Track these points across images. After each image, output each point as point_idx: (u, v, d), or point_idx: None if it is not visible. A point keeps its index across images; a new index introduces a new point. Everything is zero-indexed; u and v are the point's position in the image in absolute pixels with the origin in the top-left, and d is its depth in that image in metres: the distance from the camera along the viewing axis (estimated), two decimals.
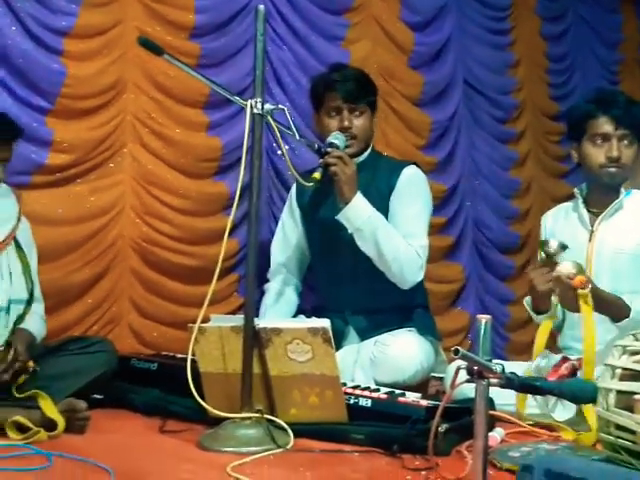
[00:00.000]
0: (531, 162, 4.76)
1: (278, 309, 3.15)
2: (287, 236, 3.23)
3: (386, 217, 2.96)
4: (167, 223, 3.31)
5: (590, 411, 2.20)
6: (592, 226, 2.76)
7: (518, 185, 4.66)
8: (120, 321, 3.23)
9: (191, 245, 3.36)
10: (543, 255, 2.57)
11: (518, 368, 2.39)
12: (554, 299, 2.57)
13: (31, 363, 2.43)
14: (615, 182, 2.74)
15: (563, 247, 2.52)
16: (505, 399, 2.41)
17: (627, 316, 2.48)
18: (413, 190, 3.04)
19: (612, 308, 2.49)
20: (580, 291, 2.39)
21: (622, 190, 2.76)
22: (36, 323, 2.63)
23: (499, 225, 4.53)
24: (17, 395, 2.37)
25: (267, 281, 3.25)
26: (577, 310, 2.44)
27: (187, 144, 3.35)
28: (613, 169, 2.72)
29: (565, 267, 2.45)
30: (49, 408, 2.33)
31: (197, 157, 3.39)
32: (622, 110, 2.71)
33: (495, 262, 4.50)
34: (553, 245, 2.52)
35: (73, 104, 3.09)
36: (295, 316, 3.15)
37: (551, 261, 2.52)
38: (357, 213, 2.88)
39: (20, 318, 2.58)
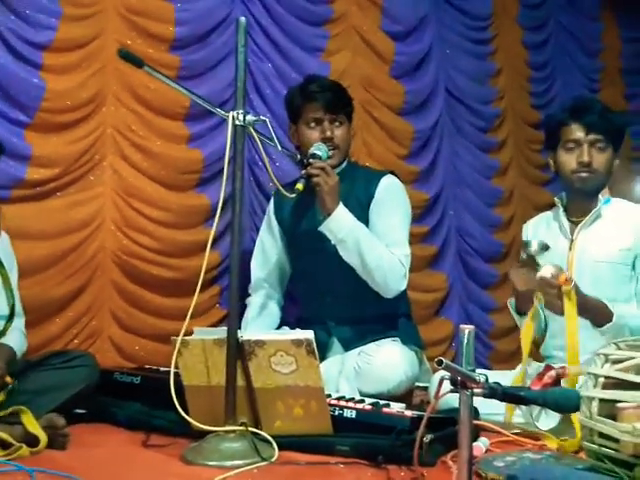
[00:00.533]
0: (513, 171, 4.78)
1: (260, 322, 3.15)
2: (266, 252, 3.23)
3: (367, 226, 2.97)
4: (148, 236, 3.29)
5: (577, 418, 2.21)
6: (572, 235, 2.78)
7: (500, 194, 4.68)
8: (101, 334, 3.20)
9: (172, 258, 3.35)
10: (524, 256, 2.59)
11: (502, 377, 2.39)
12: (535, 301, 2.59)
13: (9, 379, 2.40)
14: (587, 187, 2.76)
15: (544, 247, 2.54)
16: (490, 408, 2.42)
17: (610, 320, 2.50)
18: (392, 199, 3.06)
19: (595, 312, 2.51)
20: (564, 287, 2.42)
21: (600, 198, 2.78)
22: (16, 338, 2.60)
23: (482, 234, 4.55)
24: None
25: (249, 295, 3.24)
26: (562, 311, 2.46)
27: (168, 156, 3.35)
28: (584, 174, 2.74)
29: (547, 269, 2.47)
30: (31, 424, 2.30)
31: (178, 169, 3.38)
32: (594, 116, 2.75)
33: (478, 271, 4.52)
34: (534, 245, 2.54)
35: (52, 118, 3.07)
36: (278, 328, 3.15)
37: (532, 261, 2.54)
38: (340, 224, 2.88)
39: (1, 334, 2.55)
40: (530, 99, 4.94)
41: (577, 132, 2.75)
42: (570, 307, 2.42)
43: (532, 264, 2.54)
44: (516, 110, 4.82)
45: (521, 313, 2.71)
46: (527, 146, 4.84)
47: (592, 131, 2.73)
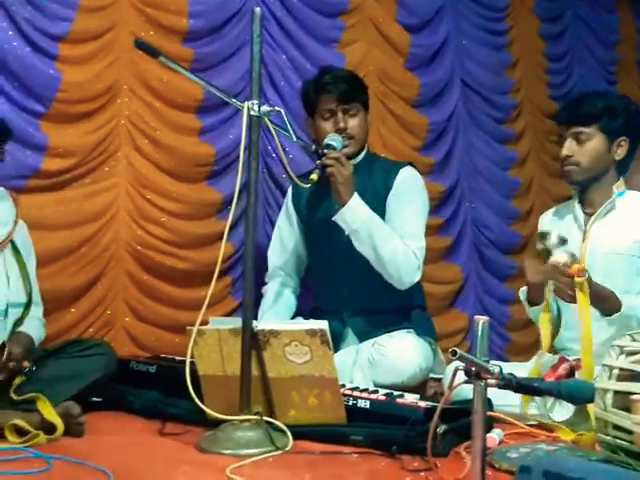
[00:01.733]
0: (531, 162, 4.76)
1: (276, 311, 3.15)
2: (284, 240, 3.24)
3: (383, 218, 2.97)
4: (161, 227, 3.31)
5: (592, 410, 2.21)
6: (586, 226, 2.77)
7: (518, 185, 4.66)
8: (115, 324, 3.22)
9: (185, 249, 3.37)
10: (541, 247, 2.59)
11: (518, 369, 2.39)
12: (547, 293, 2.58)
13: (27, 363, 2.42)
14: (572, 180, 2.79)
15: (563, 241, 2.54)
16: (504, 400, 2.42)
17: (618, 310, 2.49)
18: (410, 191, 3.06)
19: (606, 301, 2.51)
20: (577, 279, 2.41)
21: (614, 190, 2.78)
22: (35, 326, 2.62)
23: (500, 225, 4.53)
24: (16, 398, 2.36)
25: (264, 284, 3.25)
26: (573, 300, 2.46)
27: (180, 148, 3.36)
28: (567, 167, 2.77)
29: (560, 256, 2.48)
30: (48, 411, 2.33)
31: (190, 161, 3.40)
32: (572, 111, 2.79)
33: (496, 262, 4.49)
34: (553, 238, 2.54)
35: (68, 109, 3.09)
36: (293, 318, 3.16)
37: (548, 254, 2.54)
38: (354, 215, 2.88)
39: (18, 321, 2.58)
40: (548, 90, 4.90)
41: (562, 127, 2.80)
42: (583, 299, 2.42)
43: (547, 256, 2.54)
44: (534, 101, 4.79)
45: (532, 303, 2.70)
46: (545, 137, 4.79)
47: (572, 125, 2.76)
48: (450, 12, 4.34)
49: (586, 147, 2.75)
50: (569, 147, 2.75)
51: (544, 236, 2.57)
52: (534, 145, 4.77)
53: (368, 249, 2.90)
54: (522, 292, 2.77)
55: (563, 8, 5.02)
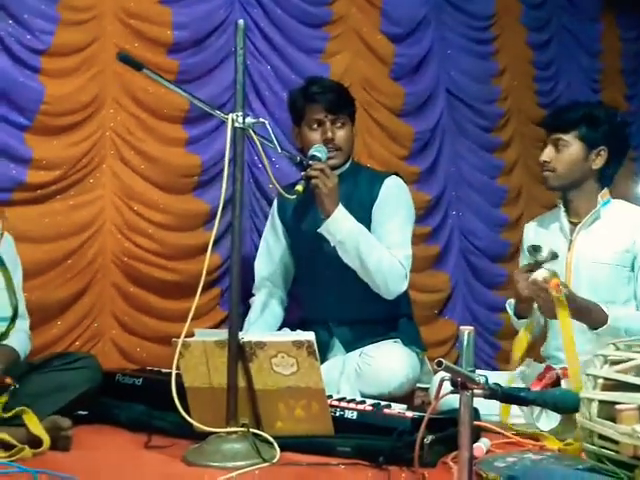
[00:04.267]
0: (519, 170, 4.77)
1: (263, 322, 3.15)
2: (270, 251, 3.24)
3: (368, 228, 2.97)
4: (148, 238, 3.30)
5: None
6: (571, 236, 2.78)
7: (506, 193, 4.67)
8: (103, 337, 3.22)
9: (172, 260, 3.36)
10: (532, 261, 2.61)
11: (505, 378, 2.40)
12: (535, 306, 2.59)
13: (9, 380, 2.40)
14: (549, 186, 2.82)
15: (554, 256, 2.55)
16: (491, 409, 2.42)
17: (604, 323, 2.50)
18: (395, 200, 3.06)
19: (590, 315, 2.51)
20: (554, 294, 2.42)
21: (599, 199, 2.79)
22: (20, 340, 2.61)
23: (488, 233, 4.53)
24: (3, 416, 2.34)
25: (252, 295, 3.25)
26: (555, 316, 2.46)
27: (166, 160, 3.36)
28: (545, 173, 2.81)
29: (540, 273, 2.48)
30: (35, 425, 2.31)
31: (176, 173, 3.40)
32: (554, 117, 2.85)
33: (484, 270, 4.50)
34: (545, 253, 2.56)
35: (52, 121, 3.08)
36: (280, 329, 3.15)
37: (539, 268, 2.55)
38: (339, 226, 2.88)
39: (4, 335, 2.55)
40: (536, 98, 4.93)
41: (546, 134, 2.83)
42: (563, 314, 2.42)
43: (537, 269, 2.55)
44: (522, 109, 4.81)
45: (519, 316, 2.71)
46: (534, 145, 4.77)
47: (553, 131, 2.79)
48: (434, 22, 4.35)
49: (563, 154, 2.77)
50: (547, 153, 2.78)
51: (536, 249, 2.58)
52: (522, 153, 4.79)
53: (354, 260, 2.91)
54: (509, 304, 2.77)
55: (549, 17, 5.05)
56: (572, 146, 2.76)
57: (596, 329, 2.50)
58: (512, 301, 2.74)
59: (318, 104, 3.04)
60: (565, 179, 2.78)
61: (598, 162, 2.78)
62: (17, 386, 2.41)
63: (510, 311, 2.75)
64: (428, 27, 4.32)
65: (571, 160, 2.76)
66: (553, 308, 2.44)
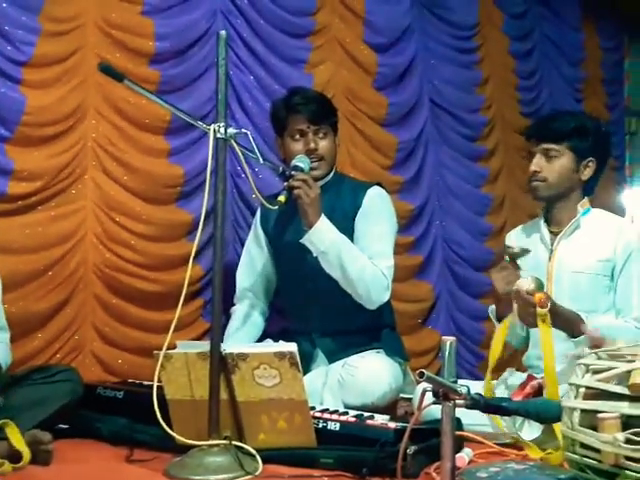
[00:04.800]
0: (503, 178, 4.78)
1: (243, 333, 3.14)
2: (253, 261, 3.23)
3: (351, 238, 2.97)
4: (130, 249, 3.28)
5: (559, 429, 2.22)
6: (552, 245, 2.79)
7: (490, 202, 4.68)
8: (84, 349, 3.19)
9: (155, 271, 3.34)
10: (506, 258, 2.62)
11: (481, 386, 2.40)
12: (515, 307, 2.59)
13: None
14: (538, 196, 2.81)
15: (525, 250, 2.56)
16: (474, 419, 2.42)
17: (583, 332, 2.49)
18: (378, 211, 3.06)
19: (569, 324, 2.51)
20: (539, 310, 2.41)
21: (579, 208, 2.80)
22: (1, 352, 2.58)
23: (472, 242, 4.53)
24: None
25: (233, 305, 3.24)
26: (534, 326, 2.46)
27: (148, 170, 3.34)
28: (533, 183, 2.80)
29: (524, 282, 2.48)
30: (16, 439, 2.29)
31: (159, 183, 3.38)
32: (544, 127, 2.82)
33: (469, 280, 4.49)
34: (515, 249, 2.56)
35: (33, 132, 3.06)
36: (262, 339, 3.15)
37: (514, 264, 2.56)
38: (321, 236, 2.88)
39: None
40: (519, 107, 4.95)
41: (532, 143, 2.83)
42: (545, 331, 2.41)
43: (513, 267, 2.56)
44: (505, 118, 4.83)
45: (501, 320, 2.71)
46: (518, 154, 4.78)
47: (543, 141, 2.78)
48: (418, 31, 4.36)
49: (555, 164, 2.77)
50: (538, 163, 2.77)
51: (507, 247, 2.60)
52: (506, 162, 4.81)
53: (336, 270, 2.90)
54: (491, 310, 2.77)
55: (531, 27, 5.08)
56: (563, 157, 2.77)
57: (575, 337, 2.50)
58: (493, 307, 2.75)
59: (300, 114, 3.04)
60: (555, 189, 2.78)
61: (587, 173, 2.80)
62: (2, 400, 2.39)
63: (492, 317, 2.75)
64: (411, 37, 4.33)
65: (562, 170, 2.77)
66: (534, 320, 2.44)
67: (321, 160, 3.03)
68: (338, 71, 4.02)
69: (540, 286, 2.46)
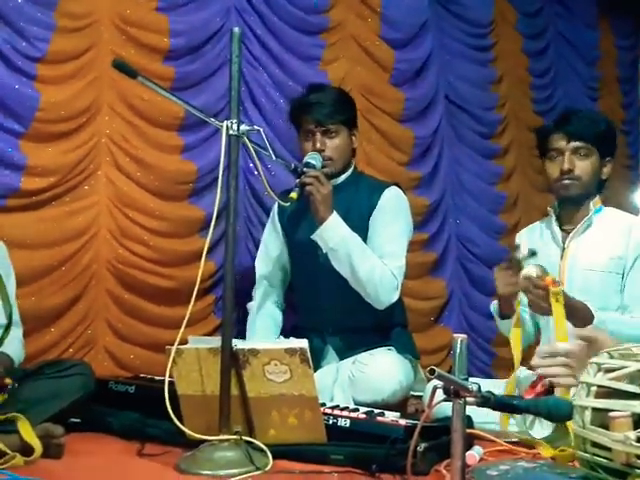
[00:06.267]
0: (517, 176, 4.78)
1: (261, 326, 3.16)
2: (269, 249, 3.25)
3: (366, 238, 2.97)
4: (143, 245, 3.30)
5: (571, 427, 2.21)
6: (564, 243, 2.78)
7: (504, 200, 4.68)
8: (96, 344, 3.21)
9: (167, 267, 3.36)
10: (511, 259, 2.60)
11: (499, 386, 2.39)
12: (517, 305, 2.58)
13: (8, 380, 2.39)
14: (570, 195, 2.77)
15: (532, 253, 2.54)
16: (485, 417, 2.42)
17: (590, 323, 2.49)
18: (393, 211, 3.06)
19: (578, 313, 2.50)
20: (552, 289, 2.41)
21: (591, 207, 2.78)
22: (15, 347, 2.60)
23: (486, 240, 4.53)
24: None
25: (247, 301, 3.26)
26: (547, 312, 2.46)
27: (161, 167, 3.36)
28: (567, 181, 2.76)
29: (530, 269, 2.47)
30: (27, 432, 2.30)
31: (171, 179, 3.40)
32: (575, 124, 2.76)
33: (482, 278, 4.46)
34: (523, 251, 2.55)
35: (47, 128, 3.08)
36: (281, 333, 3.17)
37: (518, 265, 2.55)
38: (331, 233, 2.88)
39: None
40: (533, 106, 4.94)
41: (559, 141, 2.77)
42: (559, 309, 2.41)
43: (517, 268, 2.55)
44: (519, 117, 4.82)
45: (503, 317, 2.71)
46: (531, 152, 4.77)
47: (573, 139, 2.74)
48: (433, 28, 4.37)
49: (586, 162, 2.76)
50: (570, 161, 2.74)
51: (514, 251, 2.58)
52: (520, 160, 4.80)
53: (346, 268, 2.90)
54: (493, 306, 2.77)
55: (545, 25, 5.07)
56: (593, 155, 2.76)
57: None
58: (495, 302, 2.75)
59: (308, 115, 3.04)
60: (586, 188, 2.77)
61: (606, 172, 2.81)
62: (17, 385, 2.40)
63: (494, 313, 2.75)
64: (428, 33, 4.34)
65: (593, 169, 2.77)
66: (545, 305, 2.43)
67: (329, 160, 3.02)
68: (353, 68, 4.02)
69: (544, 272, 2.46)
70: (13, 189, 3.00)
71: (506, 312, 2.66)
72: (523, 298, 2.57)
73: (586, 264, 2.71)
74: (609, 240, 2.73)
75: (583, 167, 2.75)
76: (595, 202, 2.80)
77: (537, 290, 2.45)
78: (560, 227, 2.82)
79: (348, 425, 2.34)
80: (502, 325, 2.73)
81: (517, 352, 2.56)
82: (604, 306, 2.63)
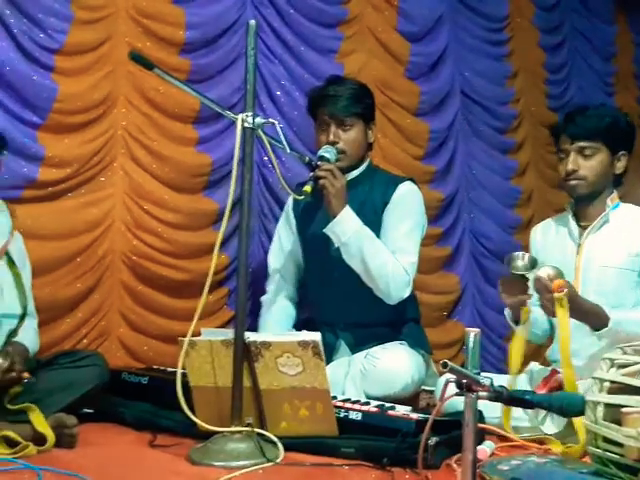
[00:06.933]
0: (531, 172, 4.76)
1: (274, 319, 3.17)
2: (282, 242, 3.25)
3: (380, 232, 2.97)
4: (157, 237, 3.31)
5: (580, 423, 2.20)
6: (580, 239, 2.77)
7: (519, 194, 4.66)
8: (110, 335, 3.22)
9: (181, 259, 3.36)
10: (513, 272, 2.57)
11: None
12: (524, 316, 2.57)
13: (27, 374, 2.41)
14: (578, 195, 2.76)
15: (533, 264, 2.53)
16: (496, 412, 2.42)
17: (605, 325, 2.48)
18: (407, 206, 3.04)
19: (591, 316, 2.49)
20: (556, 294, 2.39)
21: (608, 203, 2.77)
22: (30, 337, 2.61)
23: (500, 235, 4.51)
24: (9, 407, 2.36)
25: (262, 293, 3.26)
26: (555, 315, 2.45)
27: (177, 159, 3.36)
28: (572, 182, 2.74)
29: (544, 271, 2.46)
30: (40, 422, 2.32)
31: (187, 172, 3.40)
32: (578, 125, 2.74)
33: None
34: (524, 261, 2.53)
35: (65, 119, 3.09)
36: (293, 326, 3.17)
37: (521, 277, 2.53)
38: (344, 227, 2.88)
39: (13, 332, 2.56)
40: (547, 101, 4.91)
41: (565, 141, 2.76)
42: (562, 315, 2.40)
43: (520, 279, 2.54)
44: (533, 112, 4.79)
45: (517, 322, 2.70)
46: (545, 148, 4.76)
47: (577, 139, 2.72)
48: (449, 21, 4.35)
49: (592, 161, 2.73)
50: (575, 161, 2.72)
51: (514, 259, 2.55)
52: (534, 155, 4.78)
53: (357, 262, 2.90)
54: (507, 313, 2.75)
55: (561, 20, 5.04)
56: (599, 153, 2.73)
57: (598, 331, 2.48)
58: (508, 310, 2.73)
59: (324, 107, 3.03)
60: (594, 186, 2.74)
61: (620, 166, 2.77)
62: (34, 380, 2.42)
63: (508, 319, 2.73)
64: (444, 26, 4.32)
65: (600, 167, 2.73)
66: (551, 303, 2.43)
67: (342, 153, 3.00)
68: (369, 61, 4.01)
69: (559, 274, 2.45)
70: (30, 180, 3.01)
71: (517, 319, 2.65)
72: (535, 299, 2.55)
73: (602, 261, 2.69)
74: (625, 237, 2.70)
75: (588, 167, 2.73)
76: (612, 198, 2.77)
77: (546, 294, 2.44)
78: (577, 223, 2.80)
79: (359, 418, 2.34)
80: (518, 331, 2.71)
81: (516, 359, 2.55)
82: (619, 303, 2.61)
